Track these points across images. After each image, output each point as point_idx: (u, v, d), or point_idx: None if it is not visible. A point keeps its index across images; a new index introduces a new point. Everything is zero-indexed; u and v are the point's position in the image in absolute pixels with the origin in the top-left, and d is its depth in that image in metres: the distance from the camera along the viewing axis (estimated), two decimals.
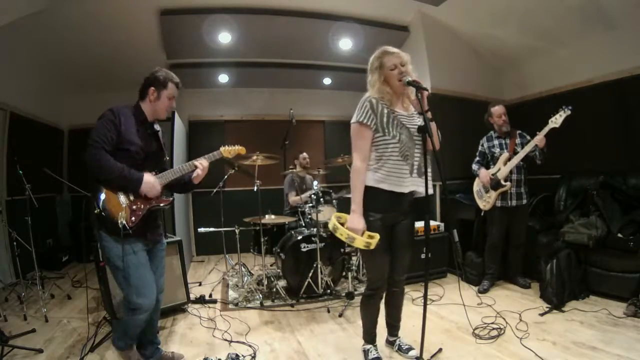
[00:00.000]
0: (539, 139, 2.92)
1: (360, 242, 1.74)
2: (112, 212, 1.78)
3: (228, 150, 2.18)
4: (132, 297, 1.82)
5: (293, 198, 4.01)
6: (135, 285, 1.81)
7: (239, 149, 2.22)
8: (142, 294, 1.82)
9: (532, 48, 4.10)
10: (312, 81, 5.51)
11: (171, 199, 2.03)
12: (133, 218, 1.82)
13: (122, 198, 1.82)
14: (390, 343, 2.27)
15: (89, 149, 1.73)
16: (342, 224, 1.82)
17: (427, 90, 1.77)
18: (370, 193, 1.84)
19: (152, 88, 1.91)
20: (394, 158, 1.82)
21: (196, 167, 2.01)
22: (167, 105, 1.97)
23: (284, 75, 5.22)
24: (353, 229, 1.78)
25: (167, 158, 2.08)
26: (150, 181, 1.85)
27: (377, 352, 2.09)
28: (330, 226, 1.82)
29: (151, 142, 1.97)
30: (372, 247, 1.74)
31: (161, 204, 1.96)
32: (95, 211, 1.77)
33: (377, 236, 1.76)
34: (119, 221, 1.76)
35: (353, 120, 1.87)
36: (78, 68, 4.50)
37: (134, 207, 1.84)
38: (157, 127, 2.03)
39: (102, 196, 1.79)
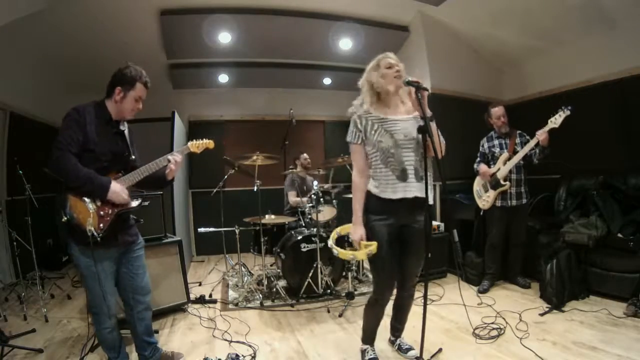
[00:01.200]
0: (541, 133, 2.89)
1: (362, 254, 1.84)
2: (80, 220, 1.71)
3: (196, 145, 2.12)
4: (95, 303, 1.83)
5: (293, 198, 4.01)
6: (97, 294, 1.80)
7: (207, 142, 2.16)
8: (103, 302, 1.81)
9: (532, 48, 4.10)
10: (312, 81, 5.51)
11: (140, 201, 1.93)
12: (101, 225, 1.75)
13: (89, 204, 1.74)
14: (391, 342, 2.28)
15: (54, 152, 1.66)
16: (345, 235, 1.96)
17: (426, 90, 1.76)
18: (370, 198, 1.89)
19: (119, 88, 1.81)
20: (377, 166, 1.88)
21: (169, 161, 1.96)
22: (132, 107, 1.85)
23: (284, 75, 5.22)
24: (352, 240, 1.89)
25: (134, 157, 1.98)
26: (117, 189, 1.78)
27: (375, 353, 2.09)
28: (334, 253, 1.94)
29: (117, 141, 1.88)
30: (374, 251, 1.80)
31: (130, 207, 1.88)
32: (63, 219, 1.69)
33: (373, 244, 1.81)
34: (87, 229, 1.68)
35: (347, 140, 1.96)
36: (78, 68, 4.50)
37: (102, 212, 1.76)
38: (122, 126, 1.94)
39: (68, 202, 1.71)
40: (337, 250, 1.90)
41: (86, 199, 1.74)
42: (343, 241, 2.17)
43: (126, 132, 1.97)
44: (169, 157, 1.97)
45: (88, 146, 1.73)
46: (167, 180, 2.03)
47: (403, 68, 1.88)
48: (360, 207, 1.89)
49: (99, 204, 1.77)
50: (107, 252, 1.83)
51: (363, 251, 1.82)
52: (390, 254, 1.86)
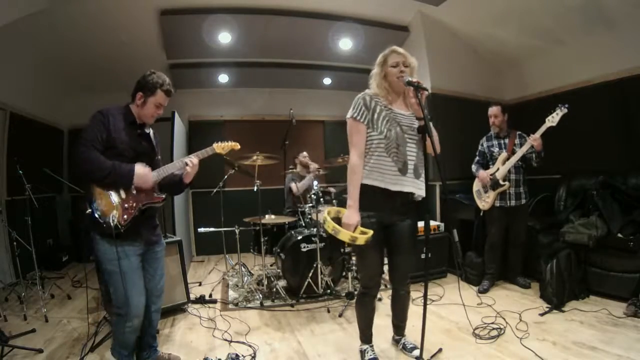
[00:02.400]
0: (535, 138, 2.91)
1: (345, 235, 1.72)
2: (104, 212, 1.74)
3: (221, 146, 2.14)
4: (119, 302, 1.81)
5: (296, 187, 3.99)
6: (123, 291, 1.77)
7: (232, 144, 2.18)
8: (130, 299, 1.79)
9: (532, 48, 4.10)
10: (312, 81, 5.51)
11: (163, 196, 1.97)
12: (125, 216, 1.77)
13: (114, 196, 1.77)
14: (395, 342, 2.28)
15: (79, 148, 1.71)
16: (334, 218, 1.81)
17: (426, 90, 1.77)
18: (364, 191, 1.84)
19: (140, 93, 1.86)
20: (377, 153, 1.83)
21: (186, 164, 1.97)
22: (152, 113, 1.89)
23: (284, 75, 5.22)
24: (347, 223, 1.78)
25: (159, 157, 2.02)
26: (142, 172, 1.80)
27: (374, 353, 2.09)
28: (329, 231, 1.78)
29: (140, 142, 1.92)
30: (358, 242, 1.72)
31: (154, 202, 1.91)
32: (87, 211, 1.74)
33: (369, 232, 1.76)
34: (111, 220, 1.72)
35: (348, 116, 1.90)
36: (78, 68, 4.50)
37: (126, 205, 1.79)
38: (147, 129, 1.98)
39: (94, 196, 1.75)
40: (337, 229, 1.72)
41: (111, 192, 1.77)
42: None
43: (151, 134, 2.00)
44: (186, 160, 1.99)
45: (112, 144, 1.77)
46: (184, 183, 2.05)
47: (414, 63, 1.88)
48: (357, 192, 1.82)
49: (123, 196, 1.80)
50: (133, 247, 1.83)
51: (362, 237, 1.72)
52: (377, 248, 1.87)
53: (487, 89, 4.63)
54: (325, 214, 1.82)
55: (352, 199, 1.82)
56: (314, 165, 4.18)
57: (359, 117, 1.85)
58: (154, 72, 1.89)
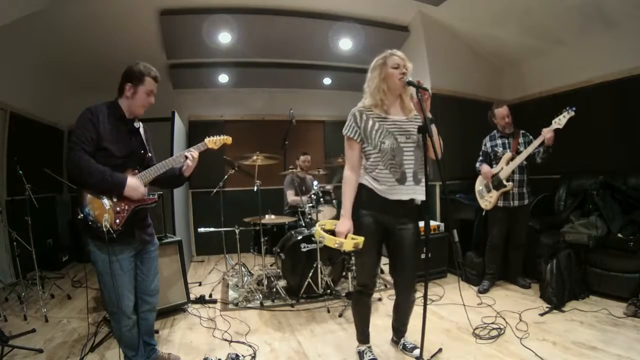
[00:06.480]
0: (547, 131, 2.83)
1: (330, 241, 1.78)
2: (96, 216, 1.72)
3: (213, 141, 2.12)
4: (110, 302, 1.82)
5: (292, 197, 4.02)
6: (114, 293, 1.79)
7: (224, 138, 2.15)
8: (120, 301, 1.80)
9: (532, 48, 4.10)
10: (312, 81, 5.51)
11: (156, 197, 1.95)
12: (117, 220, 1.76)
13: (105, 200, 1.76)
14: (395, 342, 2.29)
15: (70, 153, 1.69)
16: (328, 230, 1.88)
17: (427, 90, 1.77)
18: (365, 191, 1.88)
19: (129, 84, 1.83)
20: (379, 167, 1.85)
21: (186, 157, 1.96)
22: (144, 102, 1.87)
23: (284, 75, 5.22)
24: (338, 231, 1.83)
25: (150, 154, 2.00)
26: (133, 184, 1.78)
27: (373, 354, 2.09)
28: (317, 238, 1.84)
29: (131, 139, 1.89)
30: (344, 247, 1.78)
31: (146, 203, 1.89)
32: (79, 216, 1.72)
33: (360, 239, 1.78)
34: (103, 225, 1.70)
35: (343, 132, 1.93)
36: (78, 68, 4.50)
37: (118, 208, 1.78)
38: (137, 124, 1.95)
39: (85, 200, 1.73)
40: (324, 237, 1.80)
41: (102, 196, 1.76)
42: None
43: (141, 130, 1.98)
44: (186, 153, 1.97)
45: (102, 144, 1.75)
46: (183, 177, 2.03)
47: (411, 68, 1.87)
48: (351, 202, 1.88)
49: (115, 200, 1.78)
50: (126, 249, 1.83)
51: (350, 242, 1.77)
52: (375, 247, 1.89)
53: (487, 89, 4.63)
54: (320, 231, 1.86)
55: (345, 209, 1.88)
56: (309, 177, 4.22)
57: (351, 135, 1.89)
58: (137, 62, 1.87)
